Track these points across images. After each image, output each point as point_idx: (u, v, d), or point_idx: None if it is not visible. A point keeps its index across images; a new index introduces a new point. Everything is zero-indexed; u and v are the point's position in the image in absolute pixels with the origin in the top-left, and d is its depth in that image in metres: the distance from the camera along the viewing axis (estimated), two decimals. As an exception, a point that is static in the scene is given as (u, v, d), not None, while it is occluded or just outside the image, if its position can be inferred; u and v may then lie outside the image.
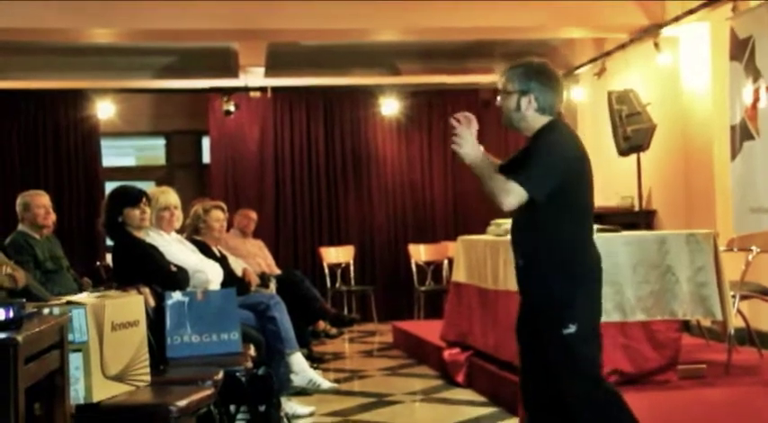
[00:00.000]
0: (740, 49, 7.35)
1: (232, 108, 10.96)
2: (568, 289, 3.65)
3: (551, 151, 3.66)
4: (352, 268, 11.25)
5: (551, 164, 3.63)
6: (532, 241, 3.77)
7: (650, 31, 8.81)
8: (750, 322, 6.87)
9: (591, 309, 3.70)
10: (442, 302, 9.15)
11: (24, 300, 3.10)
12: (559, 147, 3.67)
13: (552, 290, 3.69)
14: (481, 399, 6.39)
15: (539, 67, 3.81)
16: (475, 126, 3.68)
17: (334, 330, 8.68)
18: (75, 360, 3.44)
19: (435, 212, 11.71)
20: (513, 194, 3.58)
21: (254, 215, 9.36)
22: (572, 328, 3.60)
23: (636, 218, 8.84)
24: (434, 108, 11.80)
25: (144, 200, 5.32)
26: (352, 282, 11.21)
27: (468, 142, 3.67)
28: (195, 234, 6.62)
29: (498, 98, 3.78)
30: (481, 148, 3.75)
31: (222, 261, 6.40)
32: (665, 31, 8.69)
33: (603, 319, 3.82)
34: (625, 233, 6.18)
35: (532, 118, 3.71)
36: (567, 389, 3.67)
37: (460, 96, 11.70)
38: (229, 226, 7.84)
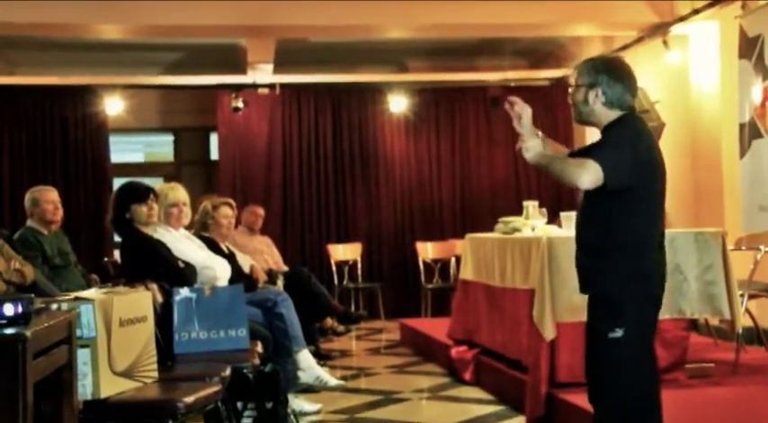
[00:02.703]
0: (749, 47, 7.33)
1: (240, 105, 10.97)
2: (622, 292, 3.61)
3: (624, 145, 3.57)
4: (359, 265, 11.24)
5: (624, 157, 3.53)
6: (593, 239, 3.70)
7: (659, 29, 8.79)
8: (758, 321, 6.85)
9: (643, 315, 3.64)
10: (450, 300, 9.13)
11: (33, 295, 3.11)
12: (631, 142, 3.58)
13: (605, 290, 3.65)
14: (488, 396, 6.39)
15: (608, 61, 3.82)
16: (528, 111, 3.68)
17: (341, 327, 8.70)
18: (82, 356, 3.45)
19: (443, 210, 11.69)
20: (590, 171, 3.46)
21: (261, 211, 9.35)
22: (618, 333, 3.56)
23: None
24: (442, 106, 11.77)
25: (151, 196, 5.32)
26: (360, 279, 11.21)
27: (534, 148, 3.65)
28: (203, 230, 6.62)
29: (569, 92, 3.75)
30: (539, 135, 3.73)
31: (230, 258, 6.40)
32: (674, 29, 8.67)
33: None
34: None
35: (600, 112, 3.66)
36: (602, 389, 3.67)
37: (469, 94, 11.70)
38: (237, 223, 7.84)
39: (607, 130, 3.67)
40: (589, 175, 3.46)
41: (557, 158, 3.66)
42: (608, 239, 3.63)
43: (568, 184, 3.58)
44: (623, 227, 3.59)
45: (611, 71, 3.66)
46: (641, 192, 3.58)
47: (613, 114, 3.66)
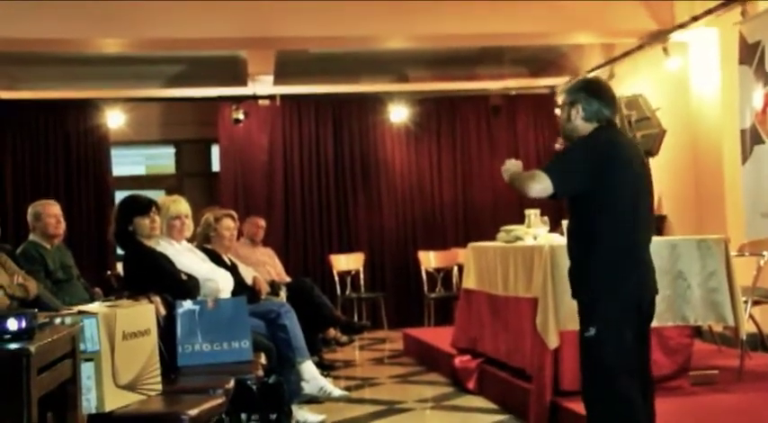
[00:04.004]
0: (749, 53, 7.34)
1: (241, 116, 10.98)
2: (595, 293, 3.82)
3: (577, 152, 3.86)
4: (362, 275, 11.24)
5: (575, 165, 3.80)
6: (575, 247, 3.95)
7: (659, 37, 8.81)
8: (762, 328, 6.85)
9: (617, 316, 3.79)
10: (453, 309, 9.13)
11: (36, 310, 3.11)
12: (586, 150, 3.84)
13: (583, 292, 3.89)
14: (492, 405, 6.38)
15: (587, 80, 4.14)
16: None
17: (344, 338, 8.68)
18: (86, 369, 3.45)
19: (445, 219, 11.69)
20: (539, 181, 3.75)
21: (262, 223, 9.35)
22: (591, 332, 3.79)
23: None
24: (443, 115, 11.78)
25: (153, 209, 5.33)
26: (362, 289, 11.20)
27: (510, 168, 4.03)
28: (206, 242, 6.63)
29: (557, 114, 4.04)
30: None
31: (232, 269, 6.40)
32: (674, 36, 8.69)
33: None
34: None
35: (581, 126, 3.92)
36: (583, 387, 3.90)
37: (470, 103, 11.70)
38: (239, 234, 7.84)
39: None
40: (538, 184, 3.76)
41: (517, 173, 3.98)
42: (583, 245, 3.88)
43: (522, 194, 3.89)
44: (594, 231, 3.82)
45: (588, 89, 3.96)
46: (604, 199, 3.78)
47: (591, 128, 3.91)
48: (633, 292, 3.83)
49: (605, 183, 3.75)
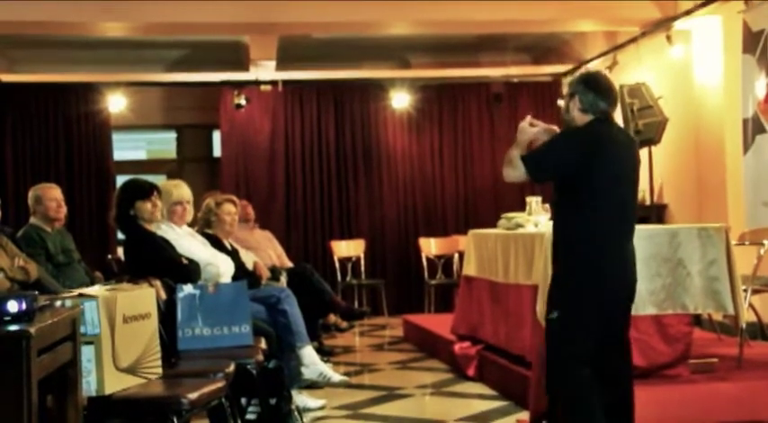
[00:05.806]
0: (753, 42, 7.32)
1: (243, 102, 10.97)
2: (564, 280, 4.04)
3: (560, 141, 4.06)
4: (362, 262, 11.24)
5: (554, 152, 4.03)
6: (554, 232, 4.15)
7: (662, 25, 8.78)
8: (762, 316, 6.85)
9: (581, 303, 3.98)
10: (453, 296, 9.14)
11: (36, 292, 3.11)
12: (568, 139, 4.06)
13: (555, 277, 4.12)
14: (492, 392, 6.39)
15: (586, 74, 4.31)
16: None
17: (344, 324, 8.68)
18: (87, 352, 3.45)
19: (446, 206, 11.69)
20: (512, 167, 4.06)
21: (244, 202, 9.14)
22: (554, 314, 4.01)
23: (647, 212, 8.80)
24: (445, 102, 11.76)
25: (155, 193, 5.32)
26: (363, 275, 11.21)
27: (522, 138, 4.16)
28: (207, 227, 6.63)
29: (560, 104, 4.23)
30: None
31: (233, 254, 6.41)
32: (677, 25, 8.66)
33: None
34: (637, 227, 6.15)
35: (578, 118, 4.11)
36: (547, 367, 4.11)
37: (472, 90, 11.69)
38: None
39: None
40: (513, 171, 4.07)
41: (513, 151, 4.12)
42: (558, 233, 4.12)
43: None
44: (568, 221, 4.07)
45: (586, 82, 4.15)
46: (580, 190, 3.98)
47: (587, 119, 4.10)
48: (610, 283, 4.00)
49: (586, 178, 3.94)
